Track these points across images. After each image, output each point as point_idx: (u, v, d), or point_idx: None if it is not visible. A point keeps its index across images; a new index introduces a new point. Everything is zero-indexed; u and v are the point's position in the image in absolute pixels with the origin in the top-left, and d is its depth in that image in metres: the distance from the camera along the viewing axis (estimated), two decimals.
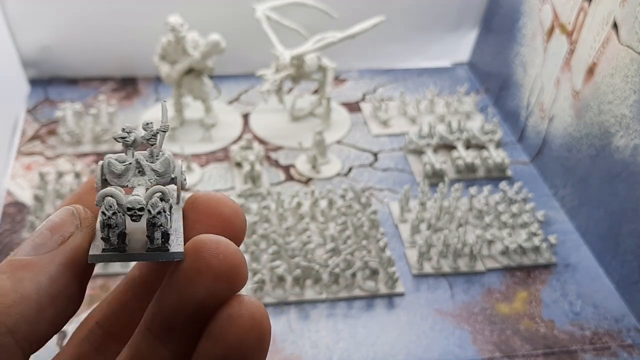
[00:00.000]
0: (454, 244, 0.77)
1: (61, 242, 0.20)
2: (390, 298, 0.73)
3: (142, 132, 0.22)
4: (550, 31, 0.91)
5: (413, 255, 0.78)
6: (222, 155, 0.94)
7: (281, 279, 0.72)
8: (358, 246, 0.76)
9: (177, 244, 0.20)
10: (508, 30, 1.04)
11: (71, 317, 0.20)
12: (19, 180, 0.87)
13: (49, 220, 0.21)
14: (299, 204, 0.81)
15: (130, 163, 0.21)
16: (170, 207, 0.21)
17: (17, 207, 0.83)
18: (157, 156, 0.22)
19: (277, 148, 0.96)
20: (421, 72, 1.17)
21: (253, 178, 0.87)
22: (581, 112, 0.83)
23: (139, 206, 0.19)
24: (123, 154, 0.22)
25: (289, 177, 0.91)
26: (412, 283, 0.75)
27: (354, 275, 0.73)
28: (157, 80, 1.08)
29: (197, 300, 0.19)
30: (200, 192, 0.22)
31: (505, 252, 0.78)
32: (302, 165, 0.92)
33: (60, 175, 0.85)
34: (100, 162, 0.22)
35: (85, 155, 0.93)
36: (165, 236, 0.20)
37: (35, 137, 0.96)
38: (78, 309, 0.20)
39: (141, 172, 0.21)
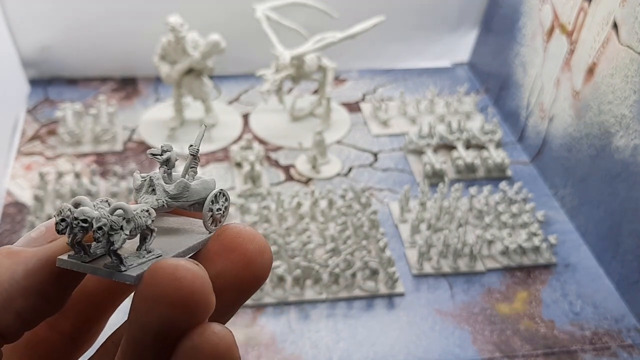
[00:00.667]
0: (454, 244, 0.77)
1: (51, 240, 0.20)
2: (390, 298, 0.73)
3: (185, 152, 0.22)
4: (550, 31, 0.91)
5: (413, 255, 0.78)
6: (222, 155, 0.94)
7: (281, 279, 0.72)
8: (358, 246, 0.76)
9: (138, 267, 0.19)
10: (508, 30, 1.04)
11: (45, 318, 0.20)
12: (19, 180, 0.87)
13: (50, 220, 0.20)
14: (299, 204, 0.81)
15: (144, 180, 0.21)
16: (148, 228, 0.20)
17: (17, 207, 0.83)
18: (192, 178, 0.22)
19: (277, 148, 0.96)
20: (421, 72, 1.17)
21: (253, 178, 0.87)
22: (581, 112, 0.83)
23: (83, 217, 0.18)
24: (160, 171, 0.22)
25: (289, 177, 0.91)
26: (412, 283, 0.75)
27: (354, 275, 0.73)
28: (157, 80, 1.08)
29: (155, 330, 0.17)
30: (232, 224, 0.21)
31: (505, 252, 0.78)
32: (302, 165, 0.92)
33: (60, 175, 0.85)
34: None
35: (85, 155, 0.93)
36: (116, 256, 0.19)
37: (35, 137, 0.96)
38: (55, 312, 0.20)
39: (153, 190, 0.21)
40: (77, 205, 0.19)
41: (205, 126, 0.23)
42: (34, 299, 0.19)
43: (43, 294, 0.19)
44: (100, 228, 0.18)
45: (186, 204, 0.22)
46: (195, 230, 0.22)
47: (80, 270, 0.19)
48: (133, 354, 0.18)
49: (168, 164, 0.22)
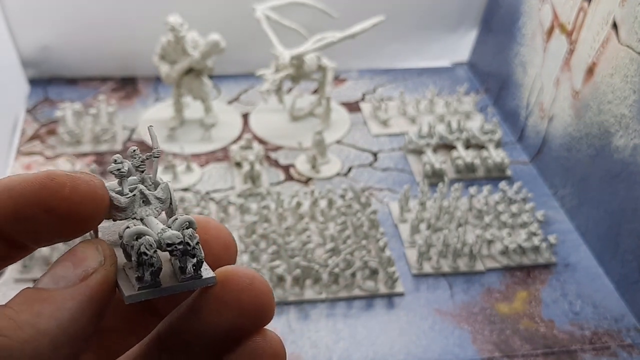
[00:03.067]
0: (453, 244, 0.77)
1: (83, 277, 0.18)
2: (390, 298, 0.73)
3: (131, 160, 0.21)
4: (550, 31, 0.91)
5: (413, 255, 0.78)
6: (221, 155, 0.94)
7: (281, 278, 0.72)
8: (358, 246, 0.76)
9: (204, 268, 0.20)
10: (508, 30, 1.04)
11: (79, 357, 0.19)
12: None
13: (71, 252, 0.19)
14: (299, 204, 0.81)
15: (134, 195, 0.21)
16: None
17: None
18: (152, 183, 0.21)
19: (277, 148, 0.96)
20: (421, 72, 1.17)
21: (253, 178, 0.87)
22: (581, 112, 0.83)
23: (179, 241, 0.19)
24: (113, 184, 0.21)
25: (289, 177, 0.91)
26: (411, 283, 0.75)
27: (353, 275, 0.73)
28: (157, 80, 1.08)
29: (219, 331, 0.19)
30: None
31: (505, 252, 0.78)
32: (301, 165, 0.92)
33: None
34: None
35: (85, 155, 0.93)
36: (199, 264, 0.19)
37: (35, 137, 0.96)
38: (87, 350, 0.20)
39: (145, 202, 0.21)
40: (140, 236, 0.19)
41: (152, 126, 0.22)
42: (77, 343, 0.18)
43: (85, 336, 0.18)
44: (197, 243, 0.19)
45: (167, 206, 0.22)
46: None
47: (155, 296, 0.19)
48: (180, 343, 0.20)
49: (128, 173, 0.21)
